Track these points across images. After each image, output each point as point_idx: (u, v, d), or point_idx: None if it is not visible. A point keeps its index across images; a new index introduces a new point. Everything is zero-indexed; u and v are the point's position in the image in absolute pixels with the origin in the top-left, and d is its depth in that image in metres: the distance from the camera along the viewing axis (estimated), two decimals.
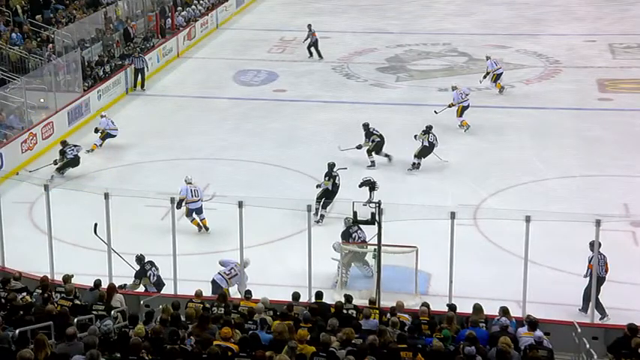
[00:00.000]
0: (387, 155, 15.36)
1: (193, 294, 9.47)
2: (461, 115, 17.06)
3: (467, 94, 17.24)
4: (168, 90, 20.65)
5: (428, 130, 15.27)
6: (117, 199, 10.77)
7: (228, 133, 17.28)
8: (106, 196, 10.27)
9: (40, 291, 9.27)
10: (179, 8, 25.41)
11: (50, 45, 19.09)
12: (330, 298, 10.03)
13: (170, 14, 24.68)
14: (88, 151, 16.15)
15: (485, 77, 19.46)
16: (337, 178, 13.41)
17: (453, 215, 9.69)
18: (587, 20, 26.90)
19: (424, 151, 15.14)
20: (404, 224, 11.73)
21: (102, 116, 16.87)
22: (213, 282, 10.63)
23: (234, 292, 10.59)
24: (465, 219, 12.02)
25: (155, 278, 10.81)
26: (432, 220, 11.55)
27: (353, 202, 9.48)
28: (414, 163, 15.09)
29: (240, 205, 9.99)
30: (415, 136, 15.29)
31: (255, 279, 10.72)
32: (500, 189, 14.19)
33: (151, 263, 10.90)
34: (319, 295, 9.38)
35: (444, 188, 14.27)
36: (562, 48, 23.44)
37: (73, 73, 18.45)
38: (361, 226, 10.89)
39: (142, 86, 20.38)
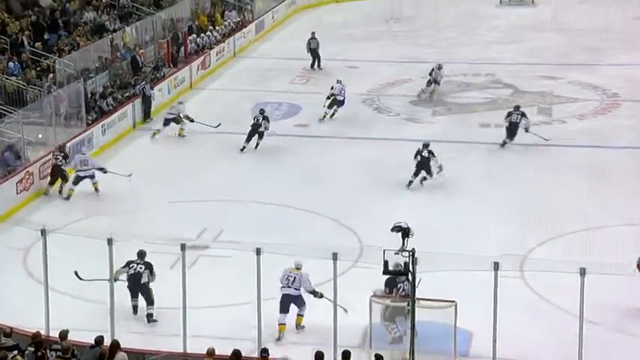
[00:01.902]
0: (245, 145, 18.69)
1: (205, 352, 9.53)
2: (329, 107, 20.49)
3: (344, 91, 20.69)
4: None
5: (512, 112, 18.43)
6: (121, 245, 10.93)
7: (246, 172, 17.49)
8: (110, 241, 10.43)
9: (33, 349, 9.33)
10: (193, 35, 25.98)
11: (51, 75, 19.58)
12: (358, 357, 10.01)
13: (183, 41, 25.23)
14: (181, 135, 19.59)
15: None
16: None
17: (496, 266, 9.69)
18: None
19: (507, 132, 18.23)
20: (441, 275, 11.72)
21: (179, 103, 20.40)
22: (283, 298, 11.47)
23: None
24: (511, 270, 11.96)
25: (132, 272, 11.71)
26: (473, 271, 11.52)
27: (384, 250, 9.52)
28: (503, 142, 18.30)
29: (258, 252, 10.10)
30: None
31: (273, 334, 10.75)
32: (551, 236, 14.15)
33: (147, 265, 11.83)
34: (346, 355, 9.38)
35: (486, 235, 14.26)
36: (621, 79, 23.45)
37: (76, 106, 18.85)
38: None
39: (150, 116, 20.77)
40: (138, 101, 20.66)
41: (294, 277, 11.64)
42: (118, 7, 25.21)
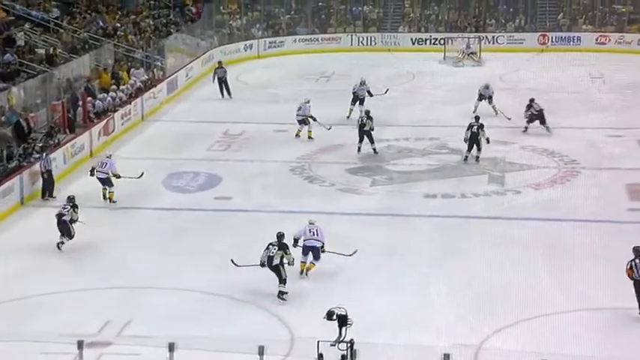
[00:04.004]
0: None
1: None
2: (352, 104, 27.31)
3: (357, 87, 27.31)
4: (79, 199, 20.64)
5: (530, 104, 25.39)
6: (6, 346, 10.69)
7: (158, 254, 17.39)
8: None
9: None
10: (96, 95, 25.97)
11: None
12: None
13: (81, 103, 25.19)
14: (310, 137, 24.75)
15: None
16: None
17: (447, 358, 9.82)
18: (612, 110, 28.05)
19: (531, 118, 25.22)
20: None
21: (306, 102, 24.97)
22: (306, 248, 16.02)
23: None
24: None
25: (269, 254, 15.17)
26: None
27: (318, 342, 9.59)
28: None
29: (171, 347, 10.03)
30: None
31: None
32: (507, 324, 14.37)
33: (280, 246, 15.23)
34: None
35: (435, 321, 14.43)
36: (580, 144, 24.28)
37: None
38: None
39: (52, 194, 20.57)
40: (28, 173, 20.43)
41: (316, 230, 16.22)
42: (2, 64, 25.12)
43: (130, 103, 26.93)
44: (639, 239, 17.07)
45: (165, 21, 36.74)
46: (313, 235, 16.16)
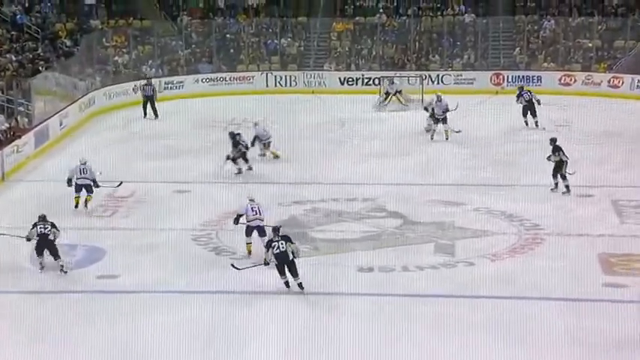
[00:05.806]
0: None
1: None
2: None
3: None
4: None
5: (520, 92, 32.65)
6: None
7: (24, 349, 17.09)
8: None
9: None
10: None
11: None
12: None
13: None
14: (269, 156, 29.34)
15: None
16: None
17: None
18: (581, 165, 28.57)
19: (523, 110, 32.28)
20: None
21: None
22: (251, 228, 19.86)
23: None
24: None
25: (277, 251, 18.25)
26: None
27: None
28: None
29: None
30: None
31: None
32: None
33: (285, 239, 18.27)
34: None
35: None
36: (544, 205, 24.65)
37: None
38: None
39: None
40: None
41: (259, 208, 19.90)
42: None
43: None
44: (616, 320, 17.69)
45: (31, 56, 36.54)
46: (256, 214, 19.78)
